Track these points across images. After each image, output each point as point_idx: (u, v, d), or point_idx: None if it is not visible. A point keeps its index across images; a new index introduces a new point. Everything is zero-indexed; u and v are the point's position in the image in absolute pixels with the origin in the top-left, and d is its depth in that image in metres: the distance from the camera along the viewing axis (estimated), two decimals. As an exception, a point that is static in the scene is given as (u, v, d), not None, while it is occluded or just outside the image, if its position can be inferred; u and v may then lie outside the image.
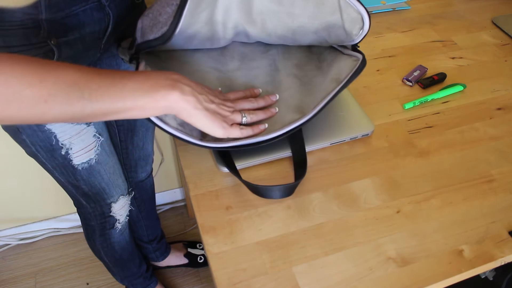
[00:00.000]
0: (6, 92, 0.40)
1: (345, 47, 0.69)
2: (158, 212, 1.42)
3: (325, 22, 0.64)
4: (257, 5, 0.64)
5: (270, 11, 0.64)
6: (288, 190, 0.60)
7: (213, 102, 0.55)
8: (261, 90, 0.66)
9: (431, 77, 0.82)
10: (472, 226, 0.59)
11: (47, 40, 0.58)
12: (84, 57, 0.66)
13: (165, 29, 0.55)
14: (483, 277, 0.81)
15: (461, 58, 0.89)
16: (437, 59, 0.88)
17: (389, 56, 0.88)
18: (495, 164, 0.68)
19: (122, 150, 0.94)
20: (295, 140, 0.66)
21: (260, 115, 0.61)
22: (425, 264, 0.55)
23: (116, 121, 0.86)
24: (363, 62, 0.63)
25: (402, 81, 0.82)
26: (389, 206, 0.61)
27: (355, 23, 0.62)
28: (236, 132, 0.57)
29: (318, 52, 0.72)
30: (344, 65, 0.66)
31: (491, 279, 0.79)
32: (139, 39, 0.59)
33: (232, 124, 0.57)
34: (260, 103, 0.63)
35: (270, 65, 0.71)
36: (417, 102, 0.77)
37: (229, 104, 0.58)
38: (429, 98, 0.77)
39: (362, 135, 0.69)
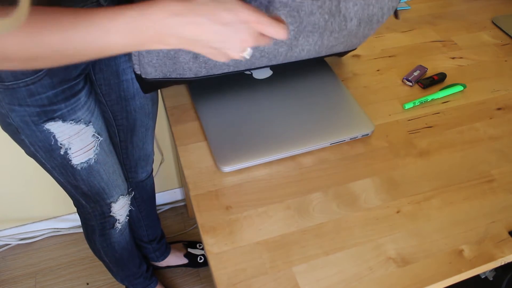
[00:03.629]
0: None
1: None
2: (158, 212, 1.42)
3: None
4: None
5: None
6: None
7: (214, 47, 0.47)
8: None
9: (431, 77, 0.82)
10: (472, 226, 0.59)
11: None
12: None
13: None
14: (483, 277, 0.81)
15: (461, 58, 0.89)
16: (437, 59, 0.88)
17: (389, 56, 0.88)
18: (495, 164, 0.68)
19: (122, 150, 0.94)
20: None
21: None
22: (425, 264, 0.55)
23: (116, 121, 0.86)
24: None
25: (402, 81, 0.82)
26: (389, 206, 0.61)
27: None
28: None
29: None
30: None
31: (491, 279, 0.79)
32: None
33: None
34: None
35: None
36: (417, 102, 0.77)
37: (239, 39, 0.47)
38: (429, 98, 0.77)
39: (362, 135, 0.69)
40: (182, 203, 1.59)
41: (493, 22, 1.00)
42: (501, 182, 0.65)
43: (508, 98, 0.80)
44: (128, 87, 0.82)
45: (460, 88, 0.80)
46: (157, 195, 1.46)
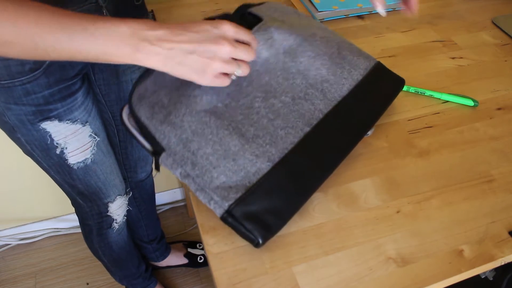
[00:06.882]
0: None
1: None
2: (158, 212, 1.42)
3: None
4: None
5: None
6: None
7: (193, 52, 0.47)
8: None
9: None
10: (472, 226, 0.59)
11: None
12: None
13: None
14: (483, 277, 0.81)
15: (461, 58, 0.89)
16: (437, 59, 0.88)
17: (389, 56, 0.88)
18: (495, 164, 0.68)
19: (122, 150, 0.94)
20: None
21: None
22: (425, 264, 0.55)
23: (115, 121, 0.86)
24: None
25: None
26: (389, 206, 0.61)
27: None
28: (225, 82, 0.51)
29: None
30: None
31: (491, 279, 0.79)
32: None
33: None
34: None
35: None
36: (412, 89, 0.78)
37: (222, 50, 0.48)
38: (427, 92, 0.78)
39: (362, 135, 0.69)
40: (182, 203, 1.60)
41: (493, 22, 1.00)
42: (501, 182, 0.65)
43: (508, 98, 0.80)
44: (128, 88, 0.82)
45: (470, 103, 0.77)
46: (157, 195, 1.46)
